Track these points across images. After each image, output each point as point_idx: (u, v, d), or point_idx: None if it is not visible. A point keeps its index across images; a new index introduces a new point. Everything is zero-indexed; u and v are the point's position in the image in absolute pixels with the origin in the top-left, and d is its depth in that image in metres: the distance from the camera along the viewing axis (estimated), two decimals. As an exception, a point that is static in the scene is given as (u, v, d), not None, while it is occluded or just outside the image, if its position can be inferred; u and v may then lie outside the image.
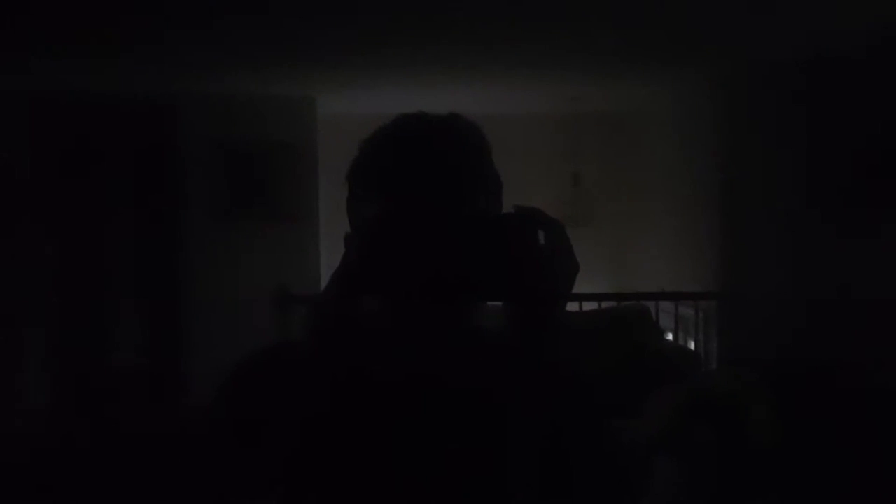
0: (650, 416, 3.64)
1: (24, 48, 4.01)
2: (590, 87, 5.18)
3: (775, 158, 4.40)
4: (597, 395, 0.86)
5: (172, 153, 5.43)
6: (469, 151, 0.95)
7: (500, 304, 0.84)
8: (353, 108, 5.04)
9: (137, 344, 5.57)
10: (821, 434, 3.14)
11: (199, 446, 0.94)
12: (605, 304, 4.85)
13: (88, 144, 5.44)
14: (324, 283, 0.89)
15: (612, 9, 3.20)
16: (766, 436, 3.24)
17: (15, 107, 5.13)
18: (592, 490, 0.86)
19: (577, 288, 0.88)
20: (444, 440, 0.91)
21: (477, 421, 0.91)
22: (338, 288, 0.85)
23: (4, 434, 4.76)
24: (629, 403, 3.69)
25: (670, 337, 5.07)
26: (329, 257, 5.43)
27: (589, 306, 4.73)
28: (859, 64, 3.69)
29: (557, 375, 0.84)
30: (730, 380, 3.83)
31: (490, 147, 0.97)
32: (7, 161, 5.06)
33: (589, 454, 0.86)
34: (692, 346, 4.97)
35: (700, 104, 5.18)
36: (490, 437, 0.91)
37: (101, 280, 5.53)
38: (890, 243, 3.51)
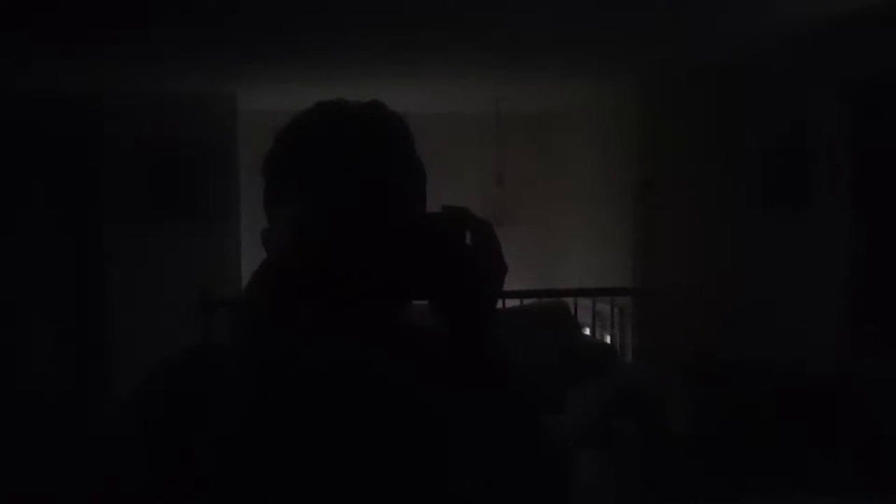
0: (573, 410, 3.70)
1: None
2: (514, 87, 5.22)
3: (693, 158, 4.51)
4: (527, 391, 0.86)
5: (88, 152, 5.25)
6: (392, 140, 0.90)
7: (428, 302, 0.83)
8: (274, 104, 4.96)
9: (55, 352, 5.36)
10: (731, 424, 3.25)
11: (110, 456, 0.88)
12: (526, 301, 4.92)
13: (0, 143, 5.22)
14: (244, 282, 0.85)
15: (537, 10, 3.24)
16: (682, 426, 3.33)
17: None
18: (524, 484, 0.86)
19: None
20: (378, 438, 0.90)
21: (411, 418, 0.91)
22: (264, 286, 0.81)
23: None
24: (552, 398, 3.75)
25: (588, 332, 5.17)
26: (250, 256, 5.33)
27: (511, 303, 4.79)
28: (772, 66, 3.82)
29: (488, 372, 0.84)
30: (649, 374, 3.93)
31: (413, 137, 0.93)
32: None
33: (521, 449, 0.85)
34: (608, 340, 5.08)
35: (621, 105, 5.28)
36: (424, 434, 0.90)
37: (17, 284, 5.31)
38: (798, 242, 3.64)
